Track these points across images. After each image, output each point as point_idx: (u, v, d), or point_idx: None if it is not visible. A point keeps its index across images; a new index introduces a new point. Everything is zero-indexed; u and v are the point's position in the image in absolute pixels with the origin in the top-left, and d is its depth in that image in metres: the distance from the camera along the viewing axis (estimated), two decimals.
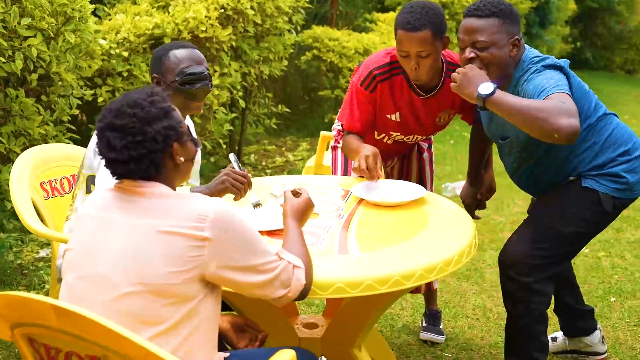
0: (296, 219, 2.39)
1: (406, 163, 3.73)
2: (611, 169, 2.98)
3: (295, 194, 2.49)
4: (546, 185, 3.10)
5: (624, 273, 4.74)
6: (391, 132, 3.42)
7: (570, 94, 2.69)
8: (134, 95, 2.05)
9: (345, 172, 3.61)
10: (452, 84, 2.83)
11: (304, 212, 2.44)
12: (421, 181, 3.71)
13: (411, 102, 3.29)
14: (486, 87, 2.71)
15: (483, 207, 3.53)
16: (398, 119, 3.34)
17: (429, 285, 3.79)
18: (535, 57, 2.92)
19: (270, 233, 2.64)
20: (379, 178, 3.11)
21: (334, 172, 3.67)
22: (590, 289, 4.46)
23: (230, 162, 2.94)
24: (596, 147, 2.98)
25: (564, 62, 2.92)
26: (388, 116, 3.34)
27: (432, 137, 3.68)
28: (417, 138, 3.49)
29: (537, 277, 2.97)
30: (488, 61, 2.85)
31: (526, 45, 3.00)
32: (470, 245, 2.62)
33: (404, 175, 3.73)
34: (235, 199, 2.82)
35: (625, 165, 2.99)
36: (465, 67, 2.81)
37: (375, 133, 3.45)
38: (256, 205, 2.83)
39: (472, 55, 2.86)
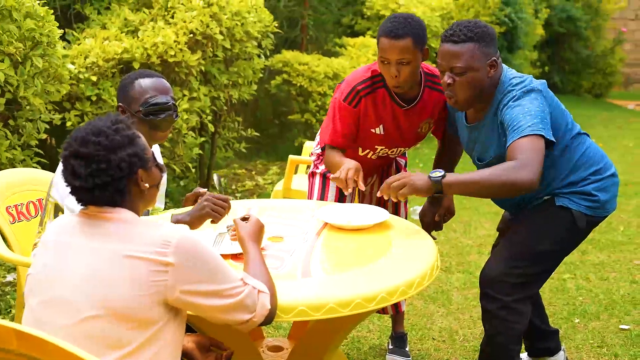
0: (252, 241, 2.43)
1: (385, 178, 3.76)
2: (583, 188, 3.06)
3: (244, 219, 2.53)
4: (522, 201, 3.17)
5: (588, 295, 4.80)
6: (376, 147, 3.47)
7: (544, 131, 2.80)
8: (98, 123, 2.08)
9: (322, 199, 3.64)
10: (401, 192, 2.85)
11: (257, 232, 2.50)
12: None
13: (394, 114, 3.36)
14: (436, 174, 2.82)
15: (440, 228, 3.56)
16: (382, 132, 3.40)
17: (396, 307, 3.82)
18: (514, 78, 3.00)
19: (234, 257, 2.66)
20: (356, 189, 3.14)
21: (310, 198, 3.69)
22: (555, 310, 4.51)
23: (214, 181, 2.96)
24: (570, 165, 3.07)
25: (542, 84, 2.99)
26: (372, 130, 3.40)
27: (406, 154, 3.75)
28: (400, 150, 3.56)
29: (516, 296, 3.04)
30: (465, 86, 2.93)
31: (503, 65, 3.08)
32: (432, 267, 2.66)
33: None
34: (212, 222, 2.84)
35: (597, 184, 3.08)
36: (401, 178, 2.86)
37: (360, 149, 3.51)
38: (230, 228, 2.85)
39: (450, 80, 2.94)
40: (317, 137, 3.80)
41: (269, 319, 2.21)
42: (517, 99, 2.91)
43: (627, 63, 19.20)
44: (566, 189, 3.07)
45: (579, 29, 16.72)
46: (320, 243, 2.89)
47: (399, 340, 3.90)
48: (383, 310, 3.82)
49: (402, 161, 3.80)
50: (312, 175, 3.73)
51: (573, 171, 3.07)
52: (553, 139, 2.86)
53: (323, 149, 3.58)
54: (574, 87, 17.80)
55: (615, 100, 17.66)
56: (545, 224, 3.09)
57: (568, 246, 3.18)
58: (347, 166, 3.15)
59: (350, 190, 3.11)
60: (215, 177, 2.97)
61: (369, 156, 3.52)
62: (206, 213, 2.78)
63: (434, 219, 3.48)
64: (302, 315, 2.31)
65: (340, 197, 3.61)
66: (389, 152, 3.52)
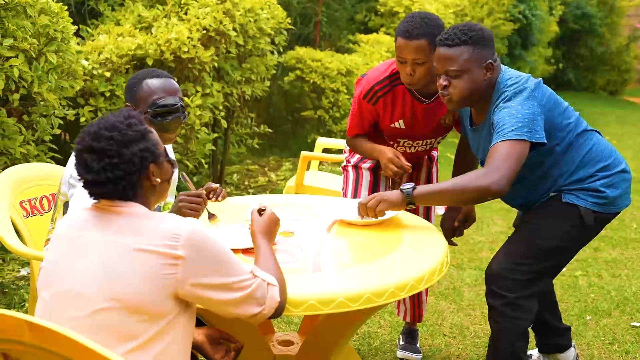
0: (264, 236, 2.45)
1: (415, 171, 3.80)
2: (590, 184, 3.06)
3: (260, 212, 2.55)
4: (530, 199, 3.18)
5: (600, 292, 4.80)
6: (399, 139, 3.51)
7: (527, 135, 2.84)
8: (111, 118, 2.10)
9: (356, 194, 3.66)
10: (379, 209, 2.94)
11: (271, 227, 2.52)
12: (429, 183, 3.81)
13: (413, 109, 3.40)
14: (406, 186, 2.92)
15: (460, 233, 3.57)
16: (402, 126, 3.44)
17: (419, 317, 3.88)
18: (509, 79, 3.00)
19: (244, 251, 2.68)
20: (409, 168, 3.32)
21: (345, 190, 3.73)
22: (567, 307, 4.51)
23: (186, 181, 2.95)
24: (575, 162, 3.07)
25: (535, 84, 2.99)
26: (392, 125, 3.45)
27: (437, 149, 3.80)
28: (426, 142, 3.57)
29: (521, 292, 3.04)
30: (460, 88, 2.95)
31: (503, 67, 3.07)
32: (442, 263, 2.67)
33: (413, 179, 3.80)
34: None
35: (605, 180, 3.07)
36: (369, 201, 2.95)
37: (387, 139, 3.57)
38: (211, 216, 2.85)
39: (446, 82, 2.96)
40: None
41: (278, 312, 2.22)
42: (507, 100, 2.93)
43: None
44: (573, 186, 3.07)
45: (593, 25, 16.68)
46: (331, 238, 2.91)
47: (410, 336, 3.91)
48: (404, 316, 3.88)
49: (434, 153, 3.84)
50: (345, 168, 3.78)
51: (580, 168, 3.07)
52: (544, 140, 2.87)
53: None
54: (588, 84, 17.75)
55: (631, 98, 17.60)
56: (551, 220, 3.09)
57: (576, 243, 3.17)
58: (386, 157, 3.33)
59: (409, 171, 3.33)
60: (182, 175, 2.97)
61: (395, 147, 3.55)
62: (183, 213, 2.74)
63: (454, 224, 3.50)
64: (312, 310, 2.32)
65: (374, 187, 3.67)
66: (414, 144, 3.55)
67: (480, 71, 2.96)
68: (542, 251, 3.07)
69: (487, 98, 3.03)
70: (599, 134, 3.21)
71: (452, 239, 3.48)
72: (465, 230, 3.62)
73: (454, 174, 3.57)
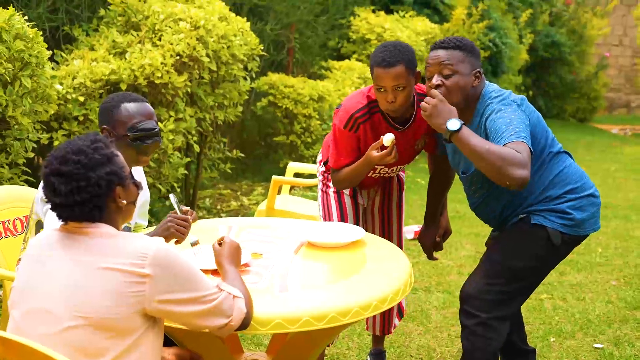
0: (231, 263, 2.51)
1: (387, 194, 3.87)
2: (557, 206, 3.16)
3: (220, 243, 2.59)
4: (502, 214, 3.27)
5: (564, 314, 4.89)
6: (376, 166, 3.54)
7: (527, 140, 2.91)
8: (78, 142, 2.17)
9: (343, 217, 3.68)
10: (422, 112, 3.02)
11: (234, 254, 2.56)
12: (400, 209, 3.89)
13: None
14: (454, 123, 2.91)
15: (440, 248, 3.70)
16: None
17: (387, 327, 3.94)
18: (493, 91, 3.14)
19: (214, 272, 2.74)
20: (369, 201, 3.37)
21: (329, 217, 3.72)
22: (532, 329, 4.60)
23: (172, 202, 3.01)
24: (546, 181, 3.17)
25: (521, 99, 3.13)
26: (372, 152, 3.48)
27: (405, 169, 3.88)
28: (399, 168, 3.67)
29: (494, 313, 3.13)
30: (453, 88, 3.07)
31: (486, 81, 3.22)
32: (405, 284, 2.75)
33: (385, 204, 3.86)
34: (176, 242, 2.87)
35: (572, 202, 3.16)
36: (436, 99, 2.98)
37: None
38: (194, 243, 2.93)
39: (439, 82, 3.08)
40: (320, 156, 3.86)
41: (245, 324, 2.29)
42: (498, 111, 3.04)
43: (611, 88, 19.51)
44: (542, 206, 3.16)
45: (563, 54, 16.94)
46: (298, 260, 2.99)
47: (377, 357, 3.98)
48: (374, 329, 3.94)
49: (402, 175, 3.92)
50: (325, 194, 3.77)
51: (549, 188, 3.17)
52: (532, 150, 2.97)
53: (325, 162, 3.72)
54: (558, 111, 17.99)
55: (599, 125, 17.86)
56: (521, 241, 3.19)
57: (545, 264, 3.25)
58: (371, 155, 3.28)
59: (395, 158, 3.26)
60: (172, 197, 3.02)
61: (370, 174, 3.61)
62: (171, 233, 2.80)
63: (434, 240, 3.59)
64: (278, 328, 2.39)
65: (357, 211, 3.70)
66: (389, 171, 3.62)
67: (470, 77, 3.10)
68: (513, 271, 3.16)
69: (471, 107, 3.14)
70: (571, 157, 3.32)
71: (434, 253, 3.59)
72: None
73: (432, 192, 3.70)
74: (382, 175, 3.63)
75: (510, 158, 2.81)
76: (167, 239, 2.82)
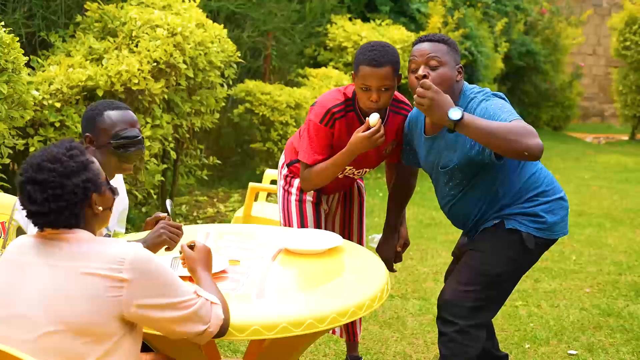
0: (203, 269, 2.51)
1: (348, 201, 3.89)
2: (530, 209, 3.20)
3: (191, 247, 2.58)
4: (477, 216, 3.29)
5: (539, 321, 4.93)
6: (346, 166, 3.52)
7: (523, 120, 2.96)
8: (53, 150, 2.17)
9: (303, 223, 3.68)
10: (419, 107, 2.98)
11: (205, 259, 2.55)
12: (361, 216, 3.90)
13: None
14: (456, 113, 2.91)
15: (400, 259, 3.71)
16: None
17: (353, 335, 3.94)
18: (474, 88, 3.20)
19: (192, 279, 2.74)
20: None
21: (289, 224, 3.71)
22: (507, 336, 4.63)
23: (166, 207, 3.00)
24: (520, 183, 3.22)
25: (500, 95, 3.19)
26: (359, 134, 3.49)
27: (363, 179, 3.90)
28: (365, 171, 3.67)
29: (471, 320, 3.16)
30: (440, 79, 3.10)
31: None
32: (382, 290, 2.77)
33: (347, 211, 3.88)
34: (166, 249, 2.86)
35: (544, 206, 3.21)
36: (430, 91, 2.95)
37: None
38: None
39: (425, 72, 3.11)
40: (282, 158, 3.83)
41: (223, 330, 2.30)
42: (487, 100, 3.10)
43: (585, 97, 19.65)
44: (516, 209, 3.20)
45: (538, 63, 17.06)
46: (275, 266, 3.00)
47: None
48: (341, 334, 3.94)
49: (361, 184, 3.93)
50: (286, 199, 3.75)
51: (522, 190, 3.21)
52: None
53: (289, 164, 3.71)
54: (533, 119, 18.08)
55: (574, 133, 18.00)
56: (496, 247, 3.22)
57: (519, 268, 3.29)
58: (365, 136, 3.26)
59: (383, 138, 3.26)
60: (168, 203, 3.03)
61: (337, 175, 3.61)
62: (163, 240, 2.80)
63: (394, 252, 3.60)
64: (256, 334, 2.40)
65: (318, 218, 3.69)
66: (356, 172, 3.63)
67: (454, 71, 3.15)
68: (489, 277, 3.19)
69: (454, 102, 3.16)
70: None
71: (394, 265, 3.60)
72: (410, 262, 3.77)
73: (393, 203, 3.71)
74: (347, 175, 3.63)
75: (522, 130, 2.87)
76: (159, 246, 2.81)
